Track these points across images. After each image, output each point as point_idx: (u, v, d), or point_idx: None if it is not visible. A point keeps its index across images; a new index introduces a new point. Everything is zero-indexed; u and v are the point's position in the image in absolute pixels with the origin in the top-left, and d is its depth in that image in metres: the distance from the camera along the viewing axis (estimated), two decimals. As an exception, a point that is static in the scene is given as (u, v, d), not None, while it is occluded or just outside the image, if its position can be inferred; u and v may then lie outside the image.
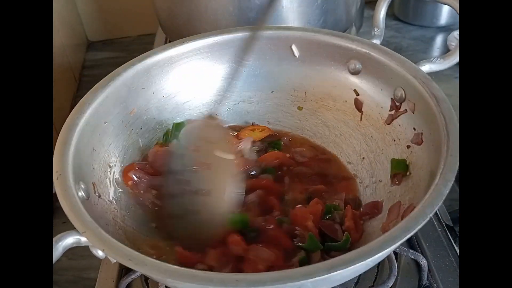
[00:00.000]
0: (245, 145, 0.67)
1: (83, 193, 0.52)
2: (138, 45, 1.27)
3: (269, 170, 0.65)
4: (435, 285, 0.56)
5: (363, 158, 0.66)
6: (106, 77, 0.64)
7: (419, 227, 0.41)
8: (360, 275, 0.58)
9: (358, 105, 0.68)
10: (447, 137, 0.49)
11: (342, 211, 0.58)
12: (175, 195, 0.58)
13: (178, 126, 0.70)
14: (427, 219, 0.42)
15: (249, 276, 0.40)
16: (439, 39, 1.14)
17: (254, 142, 0.70)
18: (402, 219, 0.52)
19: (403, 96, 0.60)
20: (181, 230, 0.57)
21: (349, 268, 0.39)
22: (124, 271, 0.60)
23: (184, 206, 0.58)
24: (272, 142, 0.72)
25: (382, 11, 0.67)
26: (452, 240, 0.60)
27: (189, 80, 0.72)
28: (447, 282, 0.56)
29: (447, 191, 0.44)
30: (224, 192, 0.57)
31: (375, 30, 0.67)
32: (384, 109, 0.64)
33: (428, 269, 0.57)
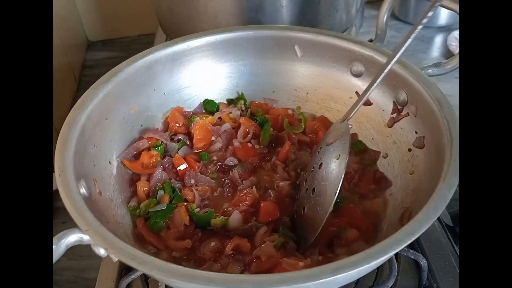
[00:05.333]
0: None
1: (85, 190, 0.51)
2: (138, 45, 1.26)
3: None
4: (435, 285, 0.56)
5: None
6: (107, 73, 0.63)
7: (422, 231, 0.42)
8: (360, 275, 0.58)
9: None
10: (450, 142, 0.49)
11: None
12: None
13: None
14: (431, 223, 0.42)
15: (253, 277, 0.40)
16: (439, 39, 1.14)
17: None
18: (401, 224, 0.52)
19: (406, 99, 0.60)
20: None
21: (353, 270, 0.39)
22: (124, 271, 0.59)
23: None
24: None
25: (385, 14, 0.67)
26: (452, 240, 0.61)
27: (190, 78, 0.72)
28: (447, 282, 0.56)
29: (451, 196, 0.44)
30: None
31: (378, 32, 0.67)
32: (386, 112, 0.64)
33: (428, 269, 0.57)
